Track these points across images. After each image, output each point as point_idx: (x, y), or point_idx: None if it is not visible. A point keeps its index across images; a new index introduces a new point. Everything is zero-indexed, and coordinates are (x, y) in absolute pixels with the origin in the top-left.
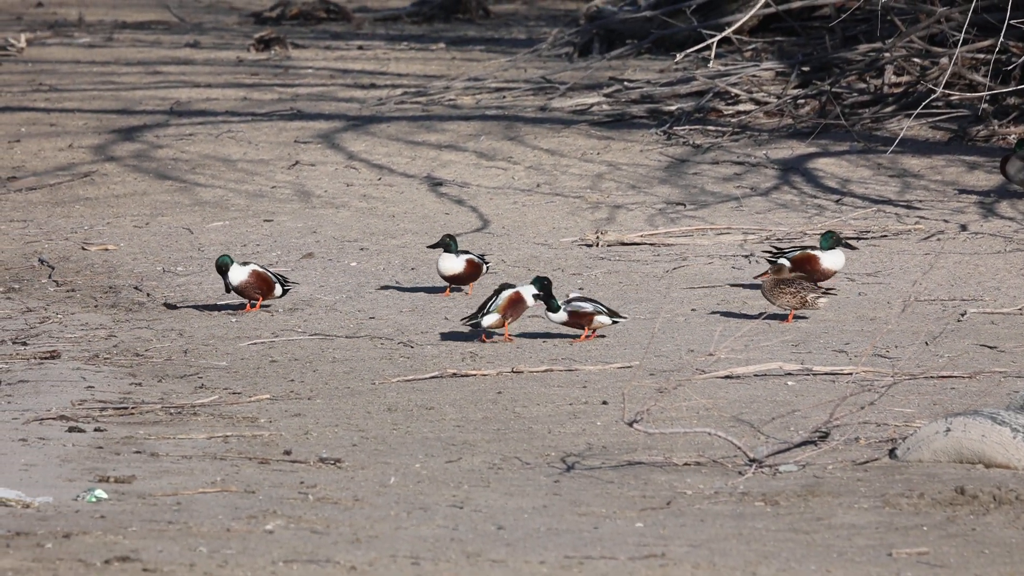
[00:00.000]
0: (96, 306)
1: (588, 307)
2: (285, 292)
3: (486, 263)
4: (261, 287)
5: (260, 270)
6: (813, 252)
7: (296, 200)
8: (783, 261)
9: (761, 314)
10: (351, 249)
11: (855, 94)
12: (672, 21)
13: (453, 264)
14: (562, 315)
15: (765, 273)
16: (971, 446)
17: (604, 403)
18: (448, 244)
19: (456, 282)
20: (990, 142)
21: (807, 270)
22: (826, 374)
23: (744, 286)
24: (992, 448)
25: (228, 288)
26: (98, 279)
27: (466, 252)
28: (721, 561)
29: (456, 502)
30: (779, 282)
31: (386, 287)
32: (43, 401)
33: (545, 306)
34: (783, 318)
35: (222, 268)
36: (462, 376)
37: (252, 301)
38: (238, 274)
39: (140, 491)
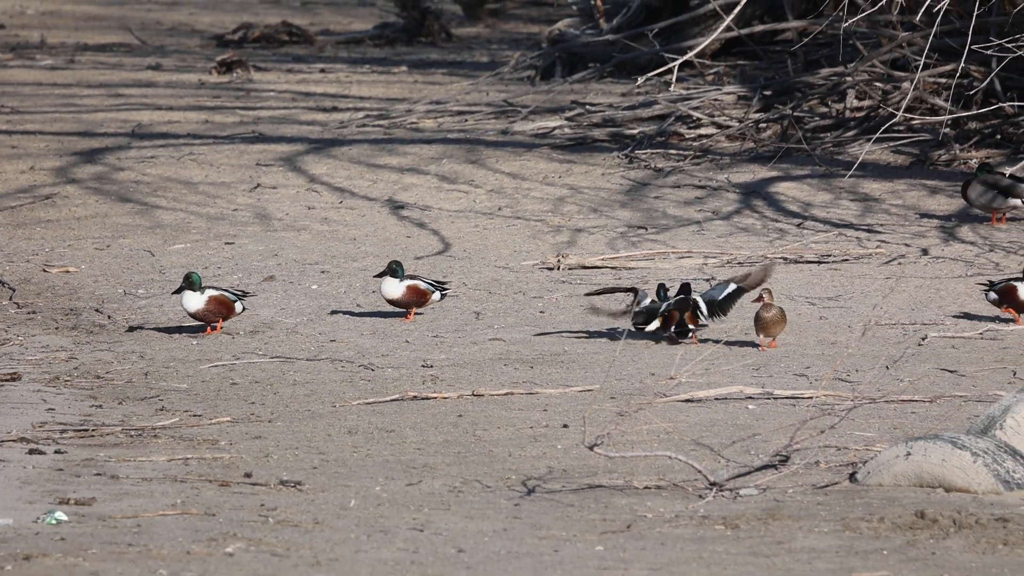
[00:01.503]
0: (57, 328)
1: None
2: (243, 309)
3: (443, 290)
4: (220, 311)
5: (217, 294)
6: (1015, 283)
7: (257, 223)
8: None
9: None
10: (312, 272)
11: (817, 118)
12: (634, 45)
13: (393, 289)
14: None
15: (760, 298)
16: (931, 470)
17: (565, 426)
18: (394, 270)
19: (398, 306)
20: (951, 166)
21: (1009, 300)
22: (787, 398)
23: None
24: (952, 472)
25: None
26: (59, 301)
27: (414, 278)
28: None
29: (416, 525)
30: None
31: (337, 311)
32: (3, 423)
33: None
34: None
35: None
36: (423, 399)
37: (212, 324)
38: (195, 301)
39: (100, 513)
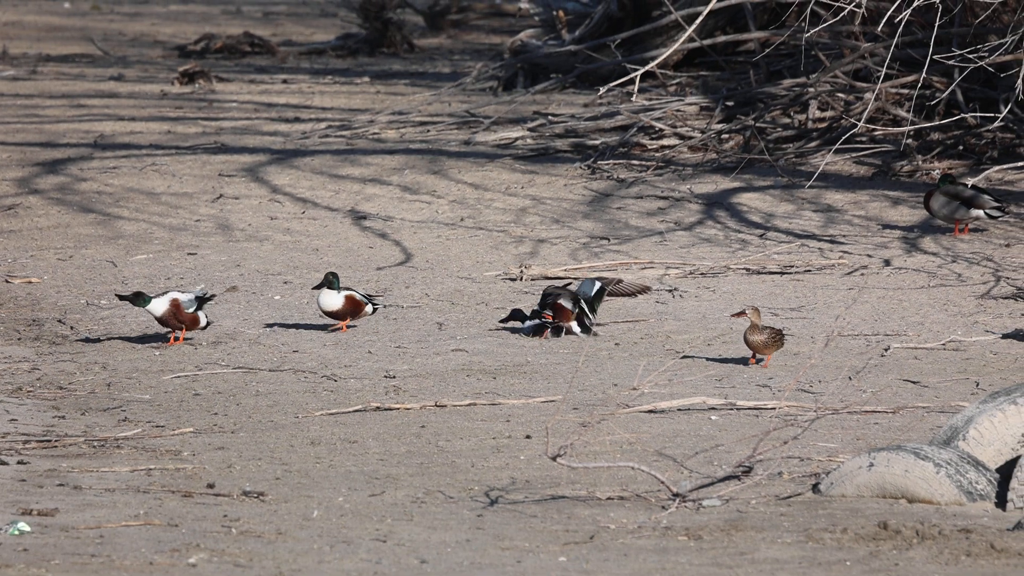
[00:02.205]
0: (19, 339)
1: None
2: (207, 324)
3: (374, 303)
4: (184, 320)
5: (179, 297)
6: None
7: (220, 233)
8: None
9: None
10: (275, 282)
11: (779, 129)
12: (596, 56)
13: (332, 300)
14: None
15: (741, 312)
16: (894, 481)
17: (528, 437)
18: (331, 282)
19: (335, 317)
20: (914, 177)
21: None
22: (749, 409)
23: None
24: (915, 483)
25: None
26: (21, 312)
27: (349, 289)
28: None
29: (379, 536)
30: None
31: (276, 325)
32: None
33: None
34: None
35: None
36: (385, 410)
37: (176, 332)
38: (159, 306)
39: (63, 524)
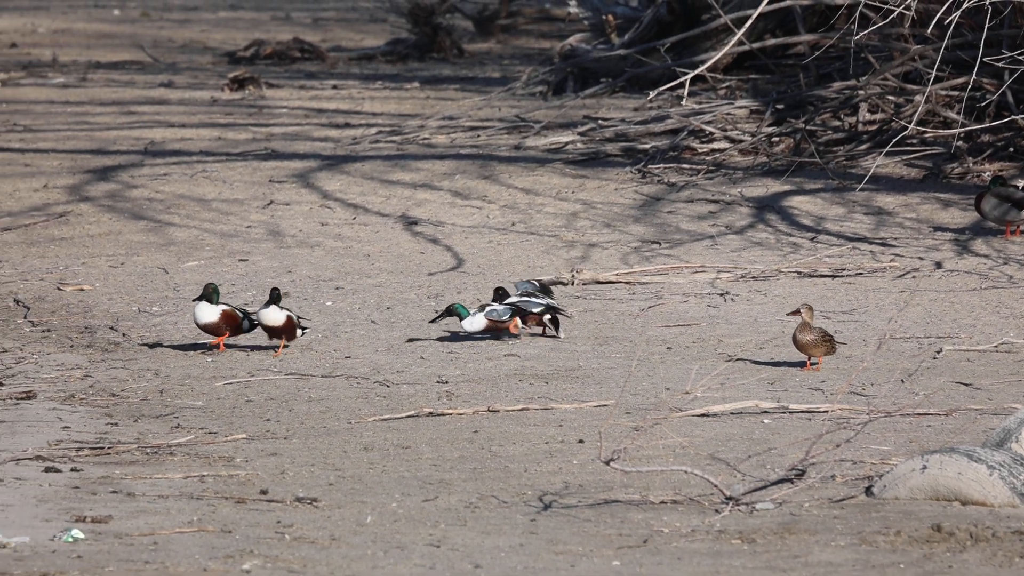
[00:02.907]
0: (72, 346)
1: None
2: (253, 327)
3: (301, 326)
4: (230, 325)
5: (228, 309)
6: None
7: (271, 239)
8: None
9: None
10: (326, 288)
11: (830, 132)
12: (646, 59)
13: (208, 314)
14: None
15: (796, 311)
16: (947, 483)
17: (580, 441)
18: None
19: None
20: (964, 179)
21: None
22: (802, 412)
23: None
24: (968, 485)
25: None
26: (73, 319)
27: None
28: None
29: (433, 541)
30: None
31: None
32: (19, 441)
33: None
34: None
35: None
36: (438, 415)
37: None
38: (206, 313)
39: (117, 531)
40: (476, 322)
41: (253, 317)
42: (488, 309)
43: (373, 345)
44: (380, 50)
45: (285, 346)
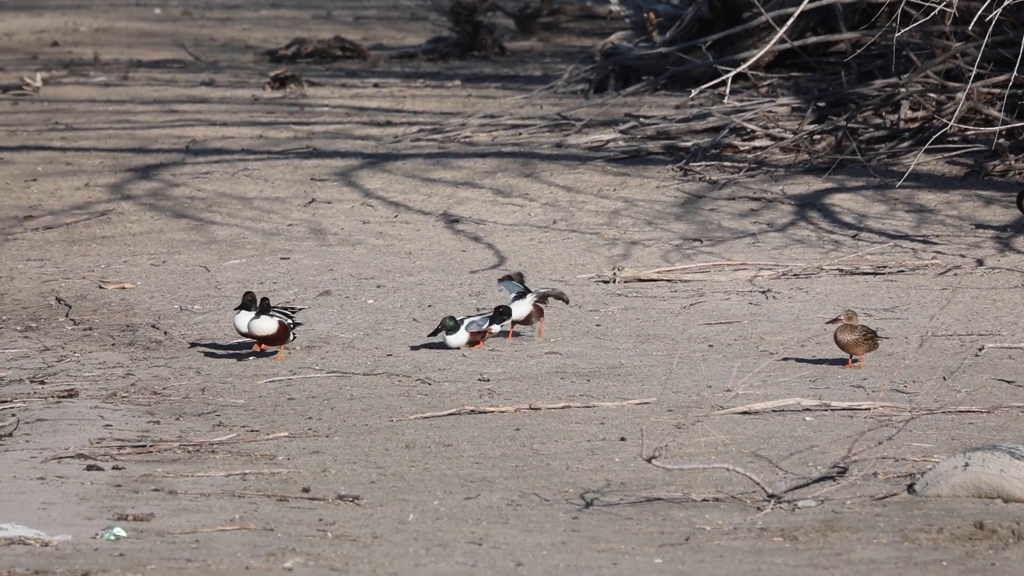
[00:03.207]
0: (113, 344)
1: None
2: (295, 326)
3: (294, 322)
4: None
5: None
6: None
7: (312, 238)
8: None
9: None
10: (368, 286)
11: (871, 129)
12: (687, 57)
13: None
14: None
15: (836, 319)
16: (990, 481)
17: (622, 439)
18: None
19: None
20: (1006, 177)
21: None
22: (844, 409)
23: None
24: (1011, 483)
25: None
26: (115, 317)
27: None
28: None
29: (475, 539)
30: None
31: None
32: (61, 440)
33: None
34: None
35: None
36: (480, 413)
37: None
38: (247, 321)
39: (159, 529)
40: (459, 338)
41: (298, 318)
42: (468, 322)
43: (415, 343)
44: (421, 48)
45: (263, 350)
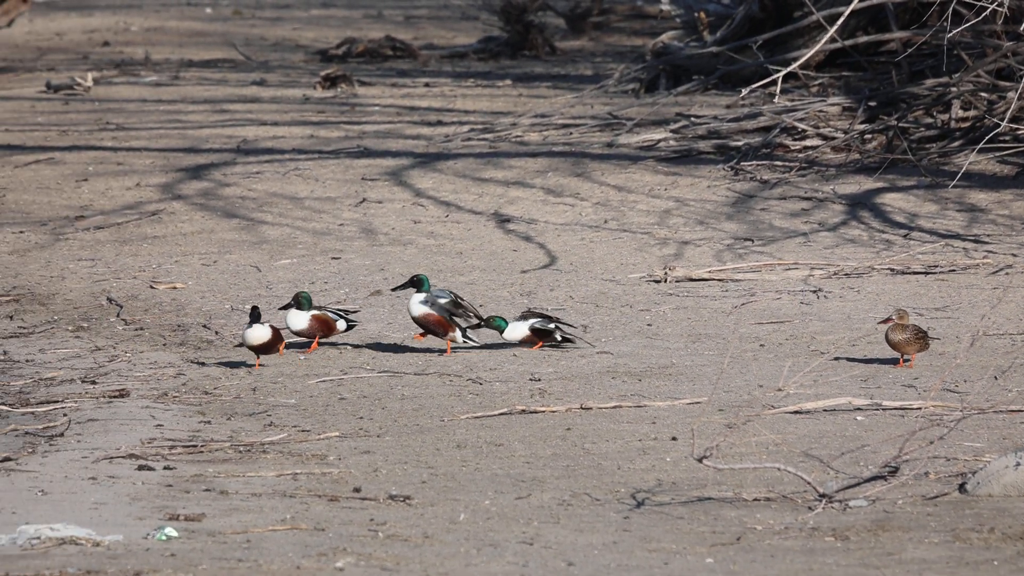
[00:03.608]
0: (165, 344)
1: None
2: (350, 327)
3: (350, 321)
4: (322, 329)
5: (319, 314)
6: None
7: (363, 237)
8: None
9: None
10: None
11: (922, 129)
12: (738, 57)
13: (299, 320)
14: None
15: (888, 319)
16: None
17: (673, 439)
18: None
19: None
20: None
21: None
22: (895, 409)
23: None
24: None
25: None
26: (166, 317)
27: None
28: None
29: (526, 539)
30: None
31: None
32: (112, 439)
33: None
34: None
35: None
36: (531, 412)
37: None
38: (298, 320)
39: (210, 529)
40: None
41: (353, 318)
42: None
43: (465, 343)
44: (472, 48)
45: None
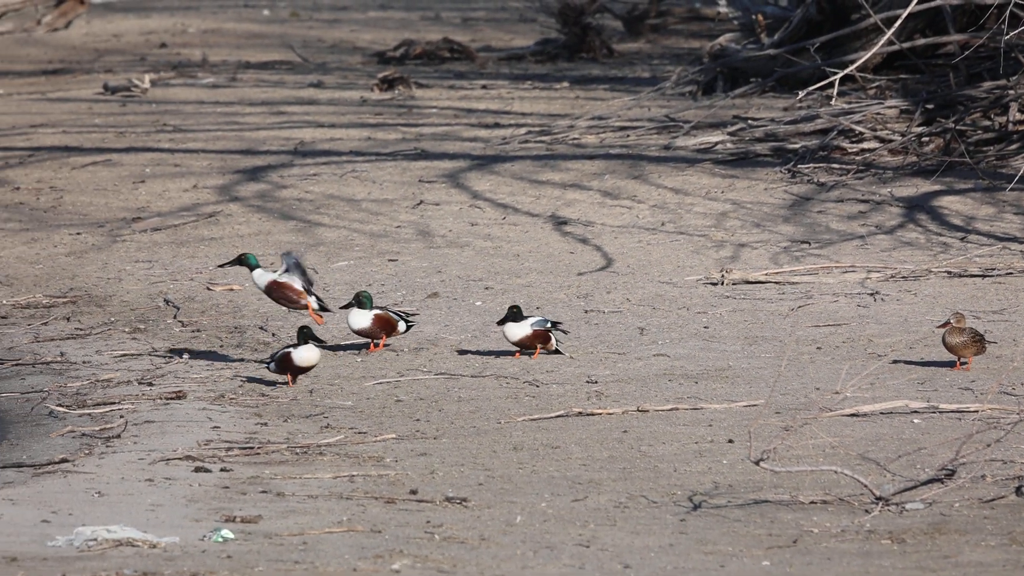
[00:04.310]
0: (221, 346)
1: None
2: (409, 328)
3: (408, 321)
4: (384, 328)
5: (381, 313)
6: None
7: (420, 240)
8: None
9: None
10: (476, 288)
11: (980, 131)
12: (796, 59)
13: (360, 319)
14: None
15: (946, 323)
16: None
17: (730, 441)
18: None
19: (365, 336)
20: None
21: None
22: (952, 412)
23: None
24: None
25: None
26: (223, 319)
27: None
28: None
29: (582, 541)
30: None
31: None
32: (169, 441)
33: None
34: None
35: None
36: (587, 415)
37: (375, 341)
38: (360, 319)
39: (266, 531)
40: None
41: (412, 320)
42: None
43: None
44: (529, 50)
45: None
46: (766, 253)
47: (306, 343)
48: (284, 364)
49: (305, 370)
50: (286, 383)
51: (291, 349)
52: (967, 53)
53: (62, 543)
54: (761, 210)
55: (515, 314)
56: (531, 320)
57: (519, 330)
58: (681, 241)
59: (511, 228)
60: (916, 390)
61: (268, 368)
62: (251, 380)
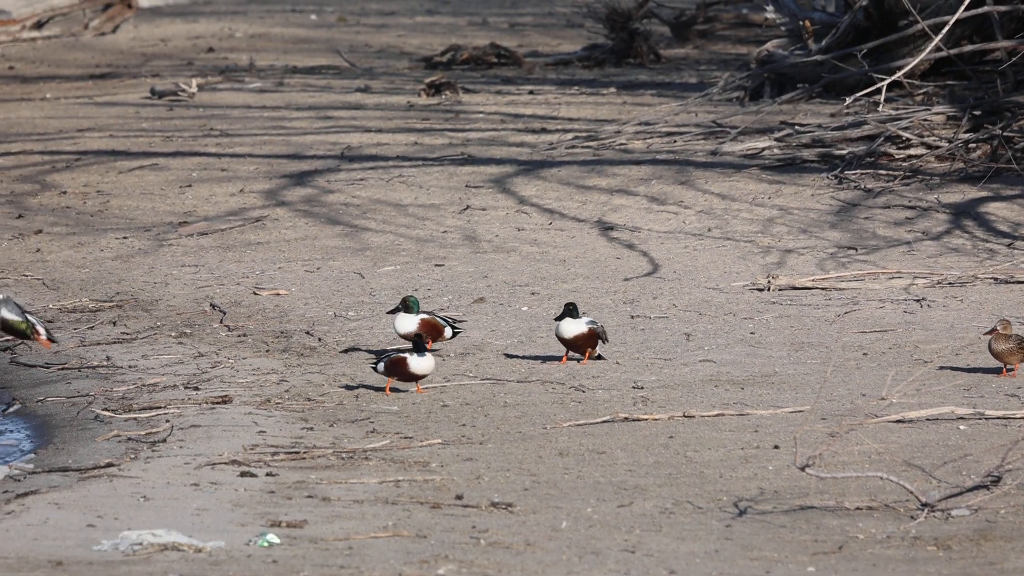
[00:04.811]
0: (268, 351)
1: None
2: (455, 334)
3: (456, 327)
4: (431, 333)
5: (428, 318)
6: None
7: (467, 245)
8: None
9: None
10: (522, 294)
11: None
12: (843, 65)
13: (407, 324)
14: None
15: (993, 330)
16: None
17: (776, 447)
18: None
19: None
20: None
21: None
22: (998, 418)
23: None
24: None
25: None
26: (269, 324)
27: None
28: None
29: (628, 547)
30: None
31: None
32: (215, 446)
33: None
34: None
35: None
36: (633, 420)
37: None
38: (406, 324)
39: (312, 536)
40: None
41: (459, 326)
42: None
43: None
44: (576, 55)
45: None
46: (812, 259)
47: (422, 352)
48: (397, 369)
49: (419, 378)
50: (383, 388)
51: (407, 355)
52: (1015, 59)
53: (107, 547)
54: (808, 216)
55: (571, 311)
56: (586, 319)
57: (575, 327)
58: (728, 247)
59: (557, 233)
60: (962, 396)
61: (374, 369)
62: (297, 385)
